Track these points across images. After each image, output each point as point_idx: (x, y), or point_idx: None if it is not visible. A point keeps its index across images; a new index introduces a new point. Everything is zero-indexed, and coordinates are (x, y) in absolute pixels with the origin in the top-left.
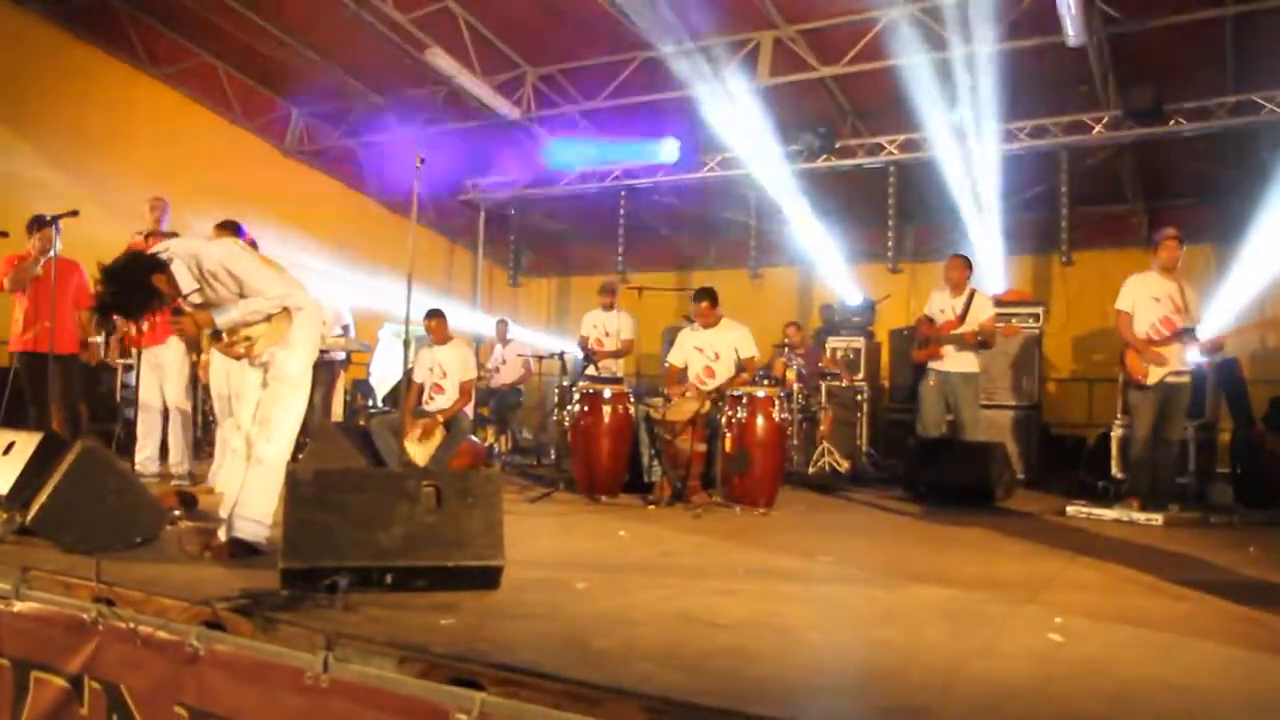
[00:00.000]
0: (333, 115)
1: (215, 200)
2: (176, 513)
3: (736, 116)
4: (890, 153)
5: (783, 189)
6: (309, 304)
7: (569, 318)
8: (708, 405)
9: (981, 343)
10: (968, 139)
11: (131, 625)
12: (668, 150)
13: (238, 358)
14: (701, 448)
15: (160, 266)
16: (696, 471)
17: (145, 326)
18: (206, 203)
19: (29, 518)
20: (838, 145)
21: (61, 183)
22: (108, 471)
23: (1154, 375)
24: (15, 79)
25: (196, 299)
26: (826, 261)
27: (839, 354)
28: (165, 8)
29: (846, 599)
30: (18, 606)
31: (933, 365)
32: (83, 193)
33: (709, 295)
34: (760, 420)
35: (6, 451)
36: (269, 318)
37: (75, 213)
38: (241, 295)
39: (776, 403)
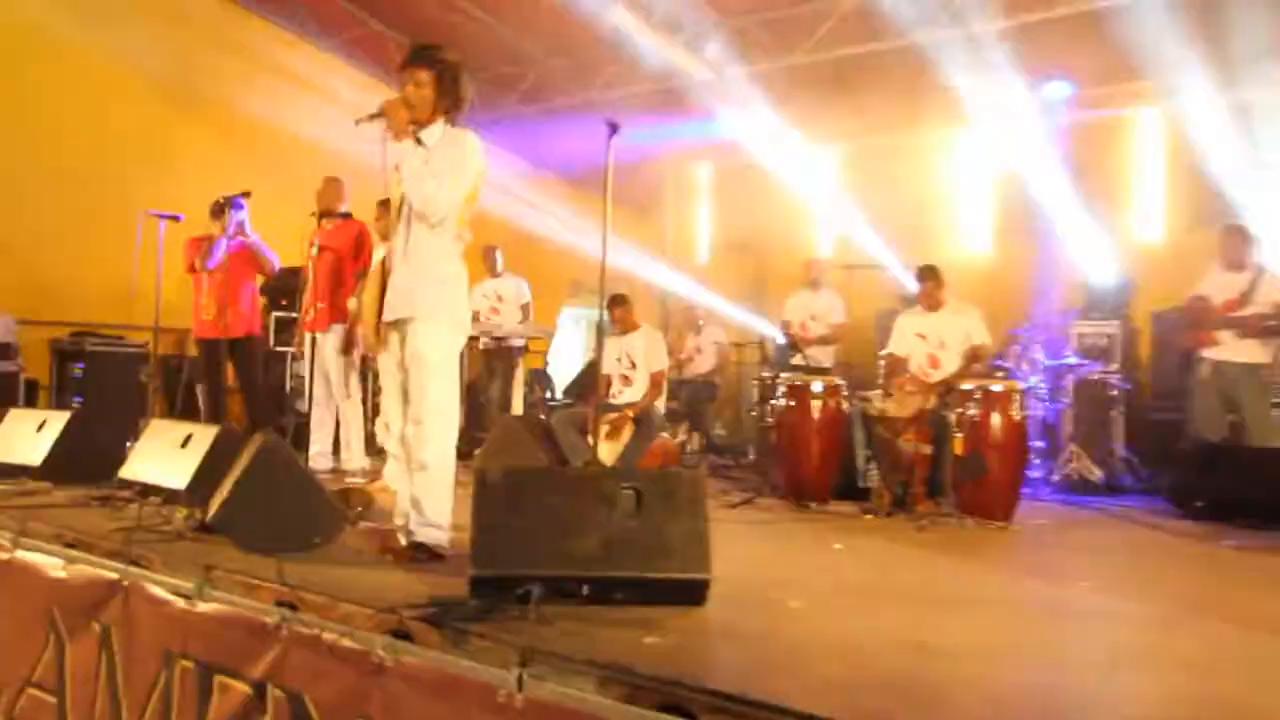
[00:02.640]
0: (507, 81)
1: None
2: (356, 511)
3: (973, 64)
4: (1147, 101)
5: (1025, 148)
6: (462, 269)
7: (768, 299)
8: (934, 400)
9: (1272, 328)
10: (1242, 83)
11: (316, 632)
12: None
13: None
14: (927, 449)
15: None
16: (921, 477)
17: (312, 312)
18: (375, 179)
19: (210, 515)
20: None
21: (233, 162)
22: (286, 468)
23: None
24: (184, 57)
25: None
26: (1073, 233)
27: (1088, 341)
28: None
29: (1115, 635)
30: (201, 607)
31: (1206, 354)
32: (253, 172)
33: (933, 274)
34: (997, 418)
35: (184, 444)
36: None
37: (248, 194)
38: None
39: (1016, 398)
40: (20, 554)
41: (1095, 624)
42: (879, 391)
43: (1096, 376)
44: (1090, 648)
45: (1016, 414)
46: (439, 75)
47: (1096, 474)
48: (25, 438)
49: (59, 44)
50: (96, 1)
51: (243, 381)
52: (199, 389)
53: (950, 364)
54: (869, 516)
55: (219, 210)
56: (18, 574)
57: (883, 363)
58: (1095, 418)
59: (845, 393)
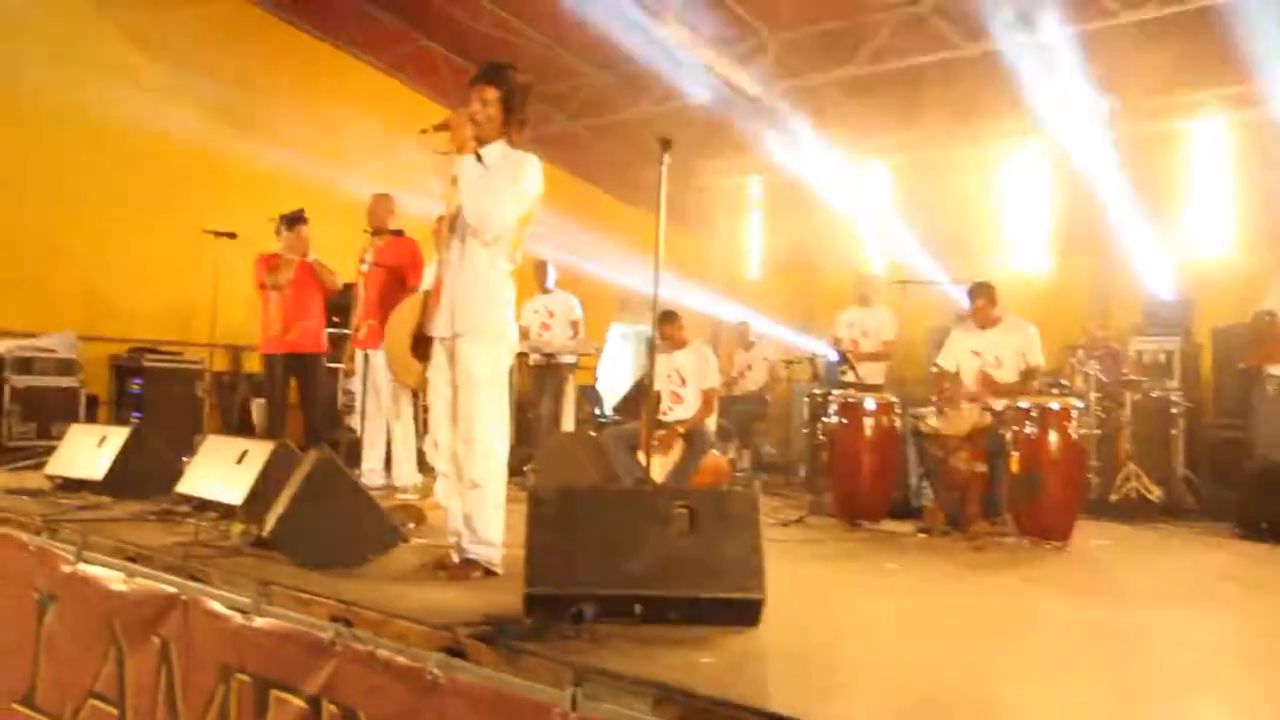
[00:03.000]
0: (557, 97)
1: (435, 193)
2: (409, 528)
3: (1039, 73)
4: (1209, 112)
5: (1083, 160)
6: (512, 287)
7: (819, 315)
8: (989, 418)
9: None
10: None
11: (370, 648)
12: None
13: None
14: (981, 468)
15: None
16: (976, 496)
17: (364, 329)
18: (429, 197)
19: (266, 530)
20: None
21: (287, 181)
22: (341, 484)
23: None
24: (240, 73)
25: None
26: (1133, 246)
27: (1147, 358)
28: None
29: (1179, 660)
30: (258, 622)
31: (1273, 371)
32: (307, 190)
33: (985, 291)
34: (1054, 437)
35: (240, 460)
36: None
37: (301, 211)
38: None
39: (1073, 416)
40: (83, 567)
41: (1158, 648)
42: (932, 409)
43: (1156, 394)
44: (1153, 673)
45: (1074, 432)
46: (506, 95)
47: (1156, 494)
48: (87, 452)
49: (119, 64)
50: (156, 23)
51: (304, 398)
52: (255, 404)
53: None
54: (922, 536)
55: (287, 227)
56: (80, 586)
57: (934, 373)
58: (1155, 436)
59: (898, 410)
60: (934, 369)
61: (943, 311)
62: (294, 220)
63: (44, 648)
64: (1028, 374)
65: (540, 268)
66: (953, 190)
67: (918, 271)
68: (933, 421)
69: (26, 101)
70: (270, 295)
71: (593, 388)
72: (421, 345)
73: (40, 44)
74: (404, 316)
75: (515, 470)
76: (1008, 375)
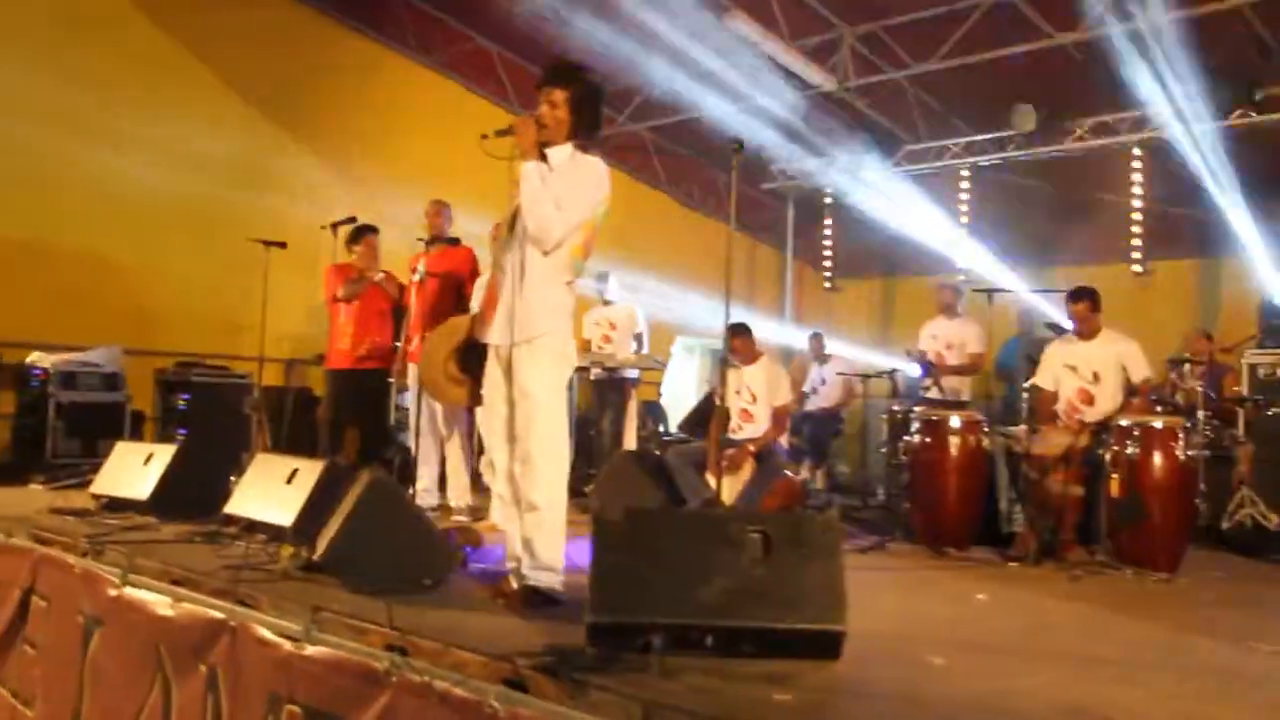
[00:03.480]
0: (620, 97)
1: (490, 200)
2: (466, 551)
3: (1140, 65)
4: None
5: (1197, 157)
6: (572, 298)
7: (897, 327)
8: (1086, 437)
9: None
10: None
11: (427, 679)
12: (1022, 118)
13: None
14: (1079, 491)
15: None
16: (1072, 521)
17: (416, 341)
18: (483, 203)
19: (318, 553)
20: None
21: (337, 187)
22: (396, 506)
23: None
24: (289, 78)
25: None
26: (1248, 252)
27: (1264, 372)
28: None
29: None
30: (309, 650)
31: None
32: (359, 197)
33: (1088, 296)
34: (1158, 458)
35: (290, 480)
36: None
37: (354, 219)
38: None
39: (1180, 435)
40: (129, 590)
41: (1276, 692)
42: (1024, 427)
43: (1274, 412)
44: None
45: (1181, 453)
46: (575, 96)
47: (1274, 521)
48: (133, 471)
49: (163, 66)
50: (201, 24)
51: (365, 415)
52: (320, 420)
53: (1106, 400)
54: (1014, 565)
55: (357, 235)
56: (126, 610)
57: (1026, 395)
58: (1273, 458)
59: (986, 428)
60: (1026, 388)
61: (1035, 322)
62: (363, 230)
63: (89, 674)
64: (1133, 392)
65: (601, 277)
66: (1042, 191)
67: (1006, 279)
68: (1024, 440)
69: (69, 110)
70: (340, 309)
71: (656, 404)
72: (471, 360)
73: (82, 53)
74: (443, 338)
75: (575, 491)
76: (1109, 393)
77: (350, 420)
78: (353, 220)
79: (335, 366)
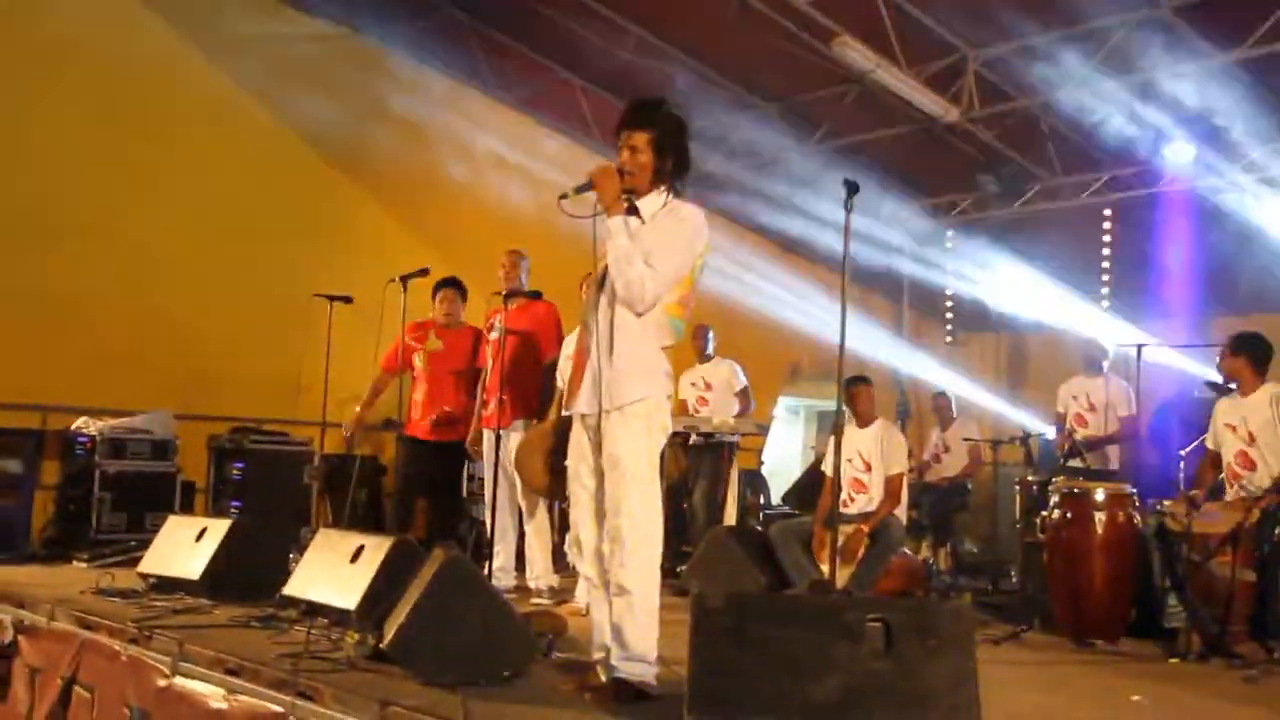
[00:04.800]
0: (713, 134)
1: (575, 247)
2: (547, 640)
3: None
4: None
5: None
6: (667, 362)
7: (1028, 385)
8: (1256, 513)
9: None
10: None
11: None
12: (1178, 152)
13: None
14: (1250, 576)
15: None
16: (1243, 612)
17: (493, 405)
18: (566, 250)
19: (385, 640)
20: None
21: (407, 236)
22: (471, 588)
23: None
24: (351, 120)
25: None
26: None
27: None
28: (512, 17)
29: None
30: None
31: None
32: (431, 246)
33: (1247, 345)
34: None
35: (355, 558)
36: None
37: (426, 270)
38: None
39: None
40: (179, 680)
41: None
42: (1183, 502)
43: None
44: None
45: None
46: (658, 137)
47: None
48: (184, 548)
49: (222, 110)
50: (258, 65)
51: (442, 488)
52: (392, 494)
53: (1272, 465)
54: (1175, 661)
55: (439, 289)
56: (176, 702)
57: (1183, 464)
58: None
59: (1137, 502)
60: (1182, 454)
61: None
62: (447, 283)
63: None
64: None
65: (699, 332)
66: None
67: (1156, 330)
68: (1183, 517)
69: (117, 158)
70: (419, 370)
71: (757, 472)
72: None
73: (133, 102)
74: (535, 442)
75: (668, 571)
76: (1269, 452)
77: (421, 492)
78: (425, 272)
79: (414, 435)
